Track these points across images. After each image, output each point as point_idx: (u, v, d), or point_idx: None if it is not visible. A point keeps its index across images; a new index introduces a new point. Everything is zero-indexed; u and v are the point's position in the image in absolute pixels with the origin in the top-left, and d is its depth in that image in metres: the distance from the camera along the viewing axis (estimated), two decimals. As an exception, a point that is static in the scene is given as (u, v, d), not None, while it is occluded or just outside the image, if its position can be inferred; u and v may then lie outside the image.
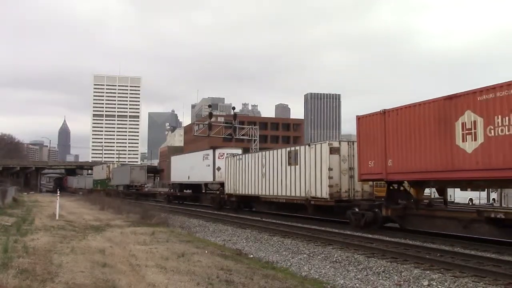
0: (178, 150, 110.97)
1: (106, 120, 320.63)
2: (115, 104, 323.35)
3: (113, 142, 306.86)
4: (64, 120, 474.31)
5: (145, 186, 61.19)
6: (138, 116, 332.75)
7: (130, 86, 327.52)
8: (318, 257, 13.01)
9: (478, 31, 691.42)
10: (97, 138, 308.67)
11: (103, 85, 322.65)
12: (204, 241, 15.58)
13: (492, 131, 13.81)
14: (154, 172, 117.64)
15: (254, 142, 51.53)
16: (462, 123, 14.79)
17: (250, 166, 29.72)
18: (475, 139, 14.35)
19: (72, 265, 9.63)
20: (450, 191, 41.83)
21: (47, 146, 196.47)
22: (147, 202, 38.89)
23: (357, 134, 19.73)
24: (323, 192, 21.93)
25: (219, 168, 35.44)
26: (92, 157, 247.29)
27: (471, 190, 37.49)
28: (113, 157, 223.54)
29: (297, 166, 24.21)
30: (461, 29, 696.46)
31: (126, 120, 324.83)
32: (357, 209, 19.72)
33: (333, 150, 21.81)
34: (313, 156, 22.99)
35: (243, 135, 55.31)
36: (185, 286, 8.22)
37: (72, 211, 28.18)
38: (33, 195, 67.25)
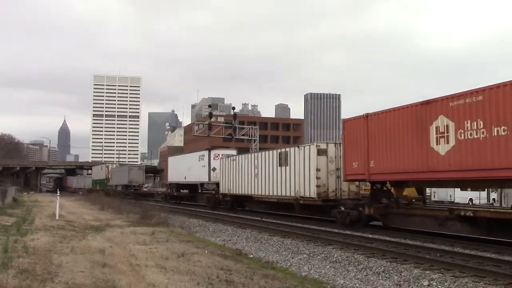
0: (178, 150, 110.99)
1: (106, 120, 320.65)
2: (115, 104, 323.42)
3: (113, 142, 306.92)
4: (64, 120, 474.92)
5: (145, 186, 61.52)
6: (138, 116, 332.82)
7: (130, 86, 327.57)
8: (318, 257, 13.01)
9: (478, 31, 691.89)
10: (97, 138, 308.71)
11: (103, 85, 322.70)
12: (204, 241, 15.58)
13: (462, 134, 14.75)
14: (154, 172, 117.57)
15: (254, 142, 51.55)
16: (436, 127, 15.74)
17: (243, 166, 30.56)
18: (448, 142, 15.30)
19: (72, 265, 9.63)
20: (450, 191, 41.91)
21: (47, 146, 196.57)
22: (146, 202, 38.97)
23: (343, 137, 20.86)
24: (311, 191, 22.77)
25: (214, 169, 36.18)
26: (92, 157, 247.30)
27: (471, 190, 37.52)
28: (113, 157, 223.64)
29: (287, 167, 25.10)
30: (461, 29, 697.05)
31: (126, 120, 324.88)
32: (343, 208, 20.51)
33: (321, 152, 22.73)
34: (302, 157, 23.86)
35: (243, 135, 55.32)
36: (185, 286, 8.22)
37: (72, 211, 28.18)
38: (33, 195, 67.29)
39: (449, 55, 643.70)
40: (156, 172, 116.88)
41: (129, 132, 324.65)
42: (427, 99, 16.46)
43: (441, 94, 15.79)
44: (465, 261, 11.47)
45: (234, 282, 8.63)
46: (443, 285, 9.35)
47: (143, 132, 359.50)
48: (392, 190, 19.11)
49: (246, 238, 17.41)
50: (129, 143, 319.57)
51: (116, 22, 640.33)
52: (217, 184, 35.11)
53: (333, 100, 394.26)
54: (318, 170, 22.51)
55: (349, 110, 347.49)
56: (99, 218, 23.35)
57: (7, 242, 12.15)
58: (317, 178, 22.47)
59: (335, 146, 23.05)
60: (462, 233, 15.88)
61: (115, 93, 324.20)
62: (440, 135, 15.62)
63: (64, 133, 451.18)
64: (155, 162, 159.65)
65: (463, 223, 15.55)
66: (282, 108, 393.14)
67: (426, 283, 9.54)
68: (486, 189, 37.61)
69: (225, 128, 53.95)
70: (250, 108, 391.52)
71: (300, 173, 23.87)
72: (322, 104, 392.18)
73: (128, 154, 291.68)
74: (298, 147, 24.95)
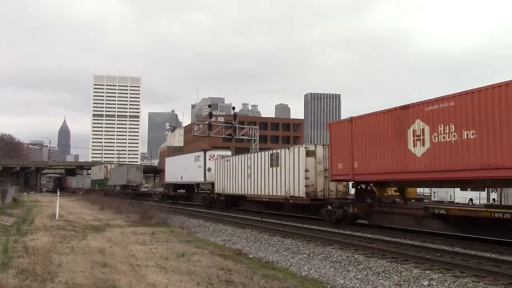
0: (178, 150, 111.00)
1: (106, 120, 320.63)
2: (115, 104, 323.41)
3: (113, 142, 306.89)
4: (64, 120, 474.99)
5: (145, 186, 61.74)
6: (138, 116, 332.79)
7: (130, 86, 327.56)
8: (318, 257, 13.01)
9: (478, 31, 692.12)
10: (97, 138, 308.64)
11: (103, 85, 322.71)
12: (204, 241, 15.57)
13: (436, 138, 15.71)
14: (154, 172, 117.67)
15: (254, 142, 51.57)
16: (413, 130, 16.71)
17: (237, 167, 31.43)
18: (423, 145, 16.28)
19: (72, 265, 9.64)
20: (450, 191, 41.90)
21: (47, 146, 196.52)
22: (146, 202, 39.18)
23: (329, 139, 21.84)
24: (300, 191, 23.76)
25: (209, 169, 36.90)
26: (92, 157, 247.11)
27: (471, 190, 37.54)
28: (113, 157, 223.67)
29: (278, 168, 26.08)
30: (461, 29, 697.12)
31: (126, 120, 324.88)
32: (330, 207, 21.33)
33: (309, 153, 23.75)
34: (292, 158, 24.82)
35: (243, 135, 55.34)
36: (185, 286, 8.22)
37: (72, 211, 28.17)
38: (33, 195, 67.29)
39: (449, 55, 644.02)
40: (156, 172, 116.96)
41: (129, 132, 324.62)
42: (406, 103, 17.36)
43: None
44: (465, 261, 11.48)
45: (234, 282, 8.63)
46: (443, 285, 9.35)
47: (143, 132, 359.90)
48: (375, 190, 19.88)
49: (246, 238, 17.41)
50: (129, 143, 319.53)
51: (116, 22, 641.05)
52: (213, 184, 35.92)
53: (333, 100, 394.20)
54: (307, 170, 23.48)
55: (349, 110, 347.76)
56: (99, 218, 23.34)
57: (7, 242, 12.16)
58: (306, 178, 23.44)
59: (323, 147, 23.94)
60: (437, 230, 16.80)
61: (115, 93, 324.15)
62: (416, 138, 16.58)
63: (64, 133, 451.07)
64: (155, 162, 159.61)
65: (437, 220, 16.45)
66: (282, 108, 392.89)
67: (426, 283, 9.54)
68: (486, 189, 37.64)
69: (225, 128, 53.93)
70: (250, 108, 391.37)
71: (290, 174, 24.78)
72: (322, 104, 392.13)
73: (128, 154, 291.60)
74: (288, 148, 25.89)
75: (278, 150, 26.87)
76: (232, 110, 60.76)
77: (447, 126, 15.31)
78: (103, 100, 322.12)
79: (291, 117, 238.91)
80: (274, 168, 26.57)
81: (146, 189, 60.87)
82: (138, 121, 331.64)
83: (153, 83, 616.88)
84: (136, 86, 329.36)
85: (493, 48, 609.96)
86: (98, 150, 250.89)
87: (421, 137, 16.36)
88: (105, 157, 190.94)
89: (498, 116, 13.70)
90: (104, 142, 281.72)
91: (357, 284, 9.68)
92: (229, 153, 38.00)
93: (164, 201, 45.36)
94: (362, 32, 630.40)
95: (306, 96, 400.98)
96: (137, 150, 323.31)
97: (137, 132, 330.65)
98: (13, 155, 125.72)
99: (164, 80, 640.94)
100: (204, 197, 38.48)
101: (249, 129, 53.85)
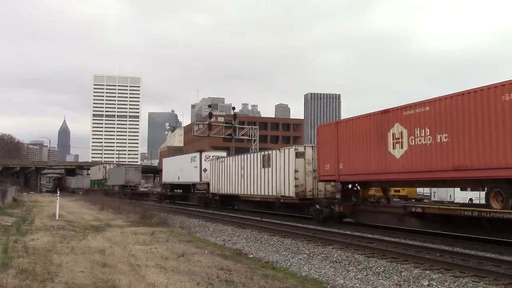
0: (178, 150, 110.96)
1: (106, 120, 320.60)
2: (115, 104, 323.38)
3: (113, 142, 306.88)
4: (64, 120, 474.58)
5: (145, 186, 62.07)
6: (138, 116, 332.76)
7: (130, 86, 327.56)
8: (318, 257, 13.01)
9: (477, 31, 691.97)
10: (97, 138, 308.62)
11: (103, 85, 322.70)
12: (204, 241, 15.57)
13: (413, 140, 16.69)
14: (153, 172, 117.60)
15: (254, 142, 51.58)
16: (393, 134, 17.70)
17: (231, 168, 32.45)
18: (402, 147, 17.27)
19: (72, 265, 9.63)
20: (450, 191, 41.94)
21: (47, 146, 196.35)
22: (145, 202, 39.40)
23: (317, 141, 22.91)
24: (290, 191, 24.74)
25: (205, 170, 37.97)
26: (92, 157, 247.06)
27: (471, 190, 37.55)
28: (113, 157, 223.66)
29: (270, 168, 27.07)
30: (460, 29, 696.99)
31: (126, 120, 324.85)
32: (318, 206, 22.18)
33: (299, 154, 24.66)
34: (282, 159, 25.78)
35: (243, 135, 55.38)
36: (185, 286, 8.22)
37: (72, 211, 28.17)
38: (33, 195, 67.32)
39: (449, 55, 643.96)
40: (155, 172, 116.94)
41: (129, 132, 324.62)
42: (386, 108, 18.40)
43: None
44: (465, 261, 11.47)
45: (234, 282, 8.63)
46: (443, 285, 9.35)
47: (143, 132, 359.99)
48: (360, 190, 20.94)
49: (246, 238, 17.41)
50: (129, 143, 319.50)
51: (116, 22, 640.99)
52: (208, 184, 36.87)
53: (333, 100, 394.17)
54: (296, 171, 24.43)
55: (349, 110, 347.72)
56: (99, 218, 23.34)
57: (7, 242, 12.14)
58: (295, 178, 24.40)
59: (312, 149, 24.65)
60: (416, 227, 17.58)
61: (115, 93, 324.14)
62: (396, 140, 17.59)
63: (64, 133, 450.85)
64: (155, 162, 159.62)
65: (416, 218, 17.36)
66: (282, 108, 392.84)
67: (426, 283, 9.54)
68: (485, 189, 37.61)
69: (225, 128, 53.96)
70: (250, 108, 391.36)
71: (281, 174, 25.77)
72: (322, 104, 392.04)
73: (128, 154, 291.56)
74: (279, 150, 26.76)
75: (270, 152, 27.82)
76: (232, 110, 60.82)
77: (423, 130, 16.28)
78: (103, 100, 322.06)
79: (291, 117, 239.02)
80: (266, 169, 27.48)
81: (146, 189, 61.09)
82: (138, 121, 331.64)
83: (153, 83, 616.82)
84: (136, 86, 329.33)
85: (493, 48, 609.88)
86: (98, 150, 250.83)
87: (400, 140, 17.34)
88: (105, 157, 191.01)
89: (468, 121, 14.61)
90: (104, 142, 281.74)
91: (357, 284, 9.68)
92: (224, 154, 38.90)
93: (162, 200, 46.22)
94: (362, 32, 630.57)
95: (306, 96, 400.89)
96: (137, 150, 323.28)
97: (137, 132, 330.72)
98: (13, 155, 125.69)
99: (164, 80, 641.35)
100: (199, 197, 39.44)
101: (249, 129, 53.88)
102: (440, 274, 10.19)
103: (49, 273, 8.72)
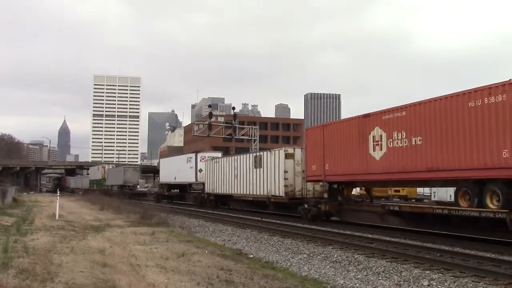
0: (178, 150, 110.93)
1: (106, 120, 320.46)
2: (115, 104, 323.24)
3: (113, 142, 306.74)
4: (64, 120, 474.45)
5: (145, 186, 62.35)
6: (138, 116, 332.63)
7: (130, 86, 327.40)
8: (318, 257, 13.01)
9: (477, 31, 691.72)
10: (97, 138, 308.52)
11: (103, 85, 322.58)
12: (204, 241, 15.56)
13: (392, 143, 17.71)
14: (153, 172, 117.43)
15: (254, 142, 51.55)
16: (373, 136, 18.68)
17: (225, 168, 33.32)
18: (381, 149, 18.26)
19: (72, 265, 9.63)
20: (450, 191, 41.79)
21: (47, 146, 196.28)
22: (143, 202, 39.54)
23: (305, 143, 23.92)
24: (280, 191, 25.68)
25: (201, 170, 38.83)
26: (92, 157, 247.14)
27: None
28: (113, 157, 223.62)
29: (261, 169, 27.97)
30: (459, 29, 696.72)
31: (126, 120, 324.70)
32: (306, 205, 23.10)
33: (288, 156, 25.57)
34: (273, 160, 26.67)
35: (243, 135, 55.36)
36: (185, 286, 8.21)
37: (72, 211, 28.16)
38: (33, 195, 67.30)
39: (448, 55, 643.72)
40: (155, 172, 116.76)
41: (129, 132, 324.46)
42: (367, 112, 19.41)
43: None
44: (465, 261, 11.47)
45: (234, 282, 8.63)
46: (443, 285, 9.34)
47: (143, 132, 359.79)
48: (344, 190, 21.91)
49: (246, 238, 17.41)
50: (129, 143, 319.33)
51: (116, 22, 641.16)
52: (203, 184, 37.68)
53: (333, 100, 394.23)
54: (286, 172, 25.31)
55: (349, 110, 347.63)
56: (99, 218, 23.34)
57: (7, 242, 12.14)
58: (285, 179, 25.27)
59: (302, 150, 25.40)
60: (395, 225, 18.60)
61: (115, 93, 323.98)
62: (376, 143, 18.57)
63: (64, 133, 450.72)
64: (155, 162, 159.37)
65: (394, 216, 18.39)
66: (282, 108, 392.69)
67: (426, 283, 9.53)
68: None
69: (225, 128, 53.94)
70: (250, 108, 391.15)
71: (271, 175, 26.69)
72: (322, 104, 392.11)
73: (128, 154, 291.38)
74: (270, 151, 27.74)
75: (261, 153, 28.88)
76: (232, 110, 60.75)
77: (400, 133, 17.34)
78: (103, 100, 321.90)
79: (291, 117, 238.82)
80: (258, 170, 28.36)
81: (146, 189, 61.18)
82: (138, 121, 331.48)
83: (153, 83, 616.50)
84: (136, 86, 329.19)
85: (493, 48, 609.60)
86: (98, 150, 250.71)
87: (380, 143, 18.34)
88: (105, 157, 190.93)
89: (439, 125, 15.65)
90: (104, 142, 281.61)
91: (357, 284, 9.67)
92: (219, 155, 39.65)
93: (159, 200, 46.85)
94: (362, 32, 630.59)
95: (306, 96, 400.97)
96: (137, 150, 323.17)
97: (137, 132, 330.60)
98: (13, 155, 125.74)
99: (164, 80, 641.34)
100: (195, 196, 40.24)
101: (249, 129, 53.86)
102: (440, 274, 10.18)
103: (49, 273, 8.72)
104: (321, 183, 24.45)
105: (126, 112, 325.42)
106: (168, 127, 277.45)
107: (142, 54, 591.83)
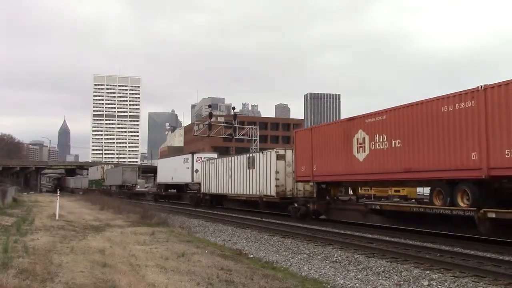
0: (178, 150, 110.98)
1: (106, 120, 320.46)
2: (115, 104, 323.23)
3: (113, 142, 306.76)
4: (64, 120, 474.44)
5: (145, 186, 62.71)
6: (138, 116, 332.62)
7: (130, 86, 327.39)
8: (318, 257, 13.01)
9: (477, 31, 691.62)
10: (97, 138, 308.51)
11: (103, 85, 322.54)
12: (204, 241, 15.56)
13: (374, 145, 18.67)
14: (154, 172, 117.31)
15: (254, 142, 51.51)
16: (357, 139, 19.63)
17: (220, 169, 34.23)
18: (364, 151, 19.20)
19: (72, 265, 9.63)
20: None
21: (47, 146, 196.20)
22: (141, 202, 39.78)
23: (295, 145, 24.80)
24: (272, 191, 26.56)
25: (197, 171, 39.79)
26: (92, 157, 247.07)
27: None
28: (113, 157, 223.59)
29: (254, 170, 28.88)
30: (460, 29, 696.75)
31: (126, 120, 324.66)
32: (296, 204, 24.10)
33: (279, 157, 26.51)
34: (265, 161, 27.60)
35: (243, 135, 55.32)
36: (185, 286, 8.21)
37: (72, 211, 28.17)
38: (33, 195, 67.29)
39: (448, 55, 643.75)
40: (155, 172, 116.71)
41: (129, 132, 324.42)
42: (352, 116, 20.58)
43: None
44: (465, 261, 11.47)
45: (234, 282, 8.63)
46: (443, 285, 9.34)
47: (143, 132, 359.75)
48: (331, 190, 22.83)
49: (246, 238, 17.41)
50: (129, 143, 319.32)
51: (116, 22, 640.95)
52: (199, 184, 38.71)
53: (333, 100, 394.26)
54: (277, 172, 26.25)
55: (349, 110, 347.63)
56: (99, 218, 23.34)
57: (7, 242, 12.15)
58: (276, 179, 26.22)
59: (292, 151, 25.91)
60: (377, 223, 19.57)
61: (115, 93, 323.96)
62: (359, 145, 19.50)
63: (64, 133, 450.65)
64: (155, 162, 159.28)
65: (376, 214, 19.34)
66: (282, 108, 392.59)
67: (426, 283, 9.53)
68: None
69: (225, 128, 53.91)
70: (250, 108, 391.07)
71: (263, 175, 27.62)
72: (322, 104, 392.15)
73: (128, 154, 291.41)
74: (262, 152, 28.83)
75: (254, 154, 29.91)
76: (232, 110, 60.68)
77: (381, 136, 18.29)
78: (103, 100, 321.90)
79: (291, 117, 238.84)
80: (251, 170, 29.28)
81: (146, 189, 61.36)
82: (138, 121, 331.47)
83: (153, 83, 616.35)
84: (136, 86, 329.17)
85: (493, 48, 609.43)
86: (98, 150, 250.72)
87: (363, 145, 19.29)
88: (105, 157, 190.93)
89: (416, 129, 16.59)
90: (104, 142, 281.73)
91: (357, 284, 9.67)
92: (215, 155, 40.78)
93: (157, 200, 47.58)
94: (362, 32, 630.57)
95: (306, 96, 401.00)
96: (137, 150, 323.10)
97: (137, 132, 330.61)
98: (13, 155, 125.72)
99: (164, 80, 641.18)
100: (191, 196, 41.22)
101: (249, 129, 53.81)
102: (440, 274, 10.18)
103: (49, 273, 8.72)
104: (311, 183, 25.09)
105: (126, 112, 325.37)
106: (168, 127, 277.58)
107: (142, 54, 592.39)
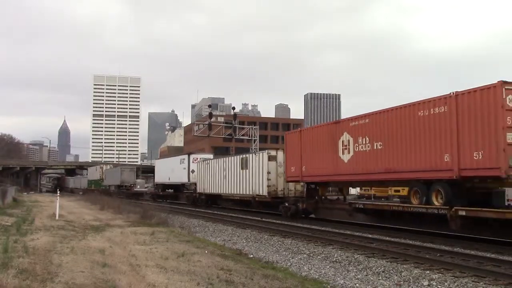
0: (178, 150, 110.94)
1: (106, 120, 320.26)
2: (115, 104, 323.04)
3: (113, 142, 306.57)
4: (64, 120, 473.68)
5: (145, 186, 63.05)
6: (138, 116, 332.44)
7: (130, 86, 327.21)
8: (318, 257, 13.01)
9: (477, 31, 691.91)
10: (97, 138, 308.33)
11: (103, 85, 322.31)
12: (204, 241, 15.57)
13: (357, 147, 19.61)
14: (154, 172, 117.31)
15: (254, 142, 51.48)
16: (342, 141, 20.56)
17: (215, 169, 35.23)
18: (349, 153, 20.12)
19: (72, 265, 9.63)
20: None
21: (47, 146, 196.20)
22: (139, 201, 40.03)
23: (285, 147, 25.83)
24: (264, 191, 27.60)
25: (193, 171, 40.83)
26: (92, 157, 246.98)
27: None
28: (113, 157, 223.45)
29: (247, 170, 29.85)
30: (460, 29, 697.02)
31: (126, 120, 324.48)
32: (286, 204, 24.96)
33: (271, 158, 27.51)
34: (257, 162, 28.56)
35: (243, 135, 55.28)
36: (185, 286, 8.21)
37: (72, 211, 28.17)
38: (33, 195, 67.30)
39: (448, 55, 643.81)
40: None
41: (129, 132, 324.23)
42: (338, 119, 21.48)
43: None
44: (465, 261, 11.48)
45: (234, 282, 8.63)
46: (443, 285, 9.35)
47: (143, 132, 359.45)
48: (319, 189, 23.73)
49: (246, 238, 17.41)
50: (129, 143, 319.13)
51: (116, 22, 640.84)
52: (195, 184, 39.73)
53: (333, 100, 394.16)
54: (268, 173, 27.26)
55: (349, 110, 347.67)
56: (99, 218, 23.34)
57: (7, 242, 12.15)
58: (268, 179, 27.25)
59: (284, 153, 26.58)
60: (361, 221, 20.49)
61: (115, 93, 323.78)
62: (344, 147, 20.41)
63: (64, 133, 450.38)
64: (155, 163, 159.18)
65: (361, 213, 20.37)
66: (282, 108, 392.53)
67: (426, 283, 9.54)
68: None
69: (225, 128, 53.85)
70: (250, 108, 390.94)
71: (256, 176, 28.56)
72: (322, 104, 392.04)
73: (128, 154, 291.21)
74: (255, 153, 30.08)
75: (247, 155, 30.77)
76: (232, 110, 60.62)
77: (364, 138, 19.20)
78: (103, 100, 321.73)
79: (291, 117, 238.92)
80: (244, 171, 30.20)
81: (146, 189, 61.48)
82: (138, 121, 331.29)
83: (153, 83, 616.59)
84: (136, 86, 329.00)
85: (493, 48, 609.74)
86: (98, 150, 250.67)
87: (348, 147, 20.19)
88: (105, 157, 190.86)
89: (396, 132, 17.55)
90: (104, 142, 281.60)
91: (357, 284, 9.68)
92: (211, 156, 42.16)
93: (154, 200, 48.29)
94: (362, 32, 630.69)
95: (306, 96, 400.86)
96: (137, 150, 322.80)
97: (137, 132, 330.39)
98: (13, 155, 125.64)
99: (164, 80, 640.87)
100: (187, 196, 42.40)
101: (249, 129, 53.76)
102: (440, 274, 10.19)
103: (49, 273, 8.72)
104: (301, 183, 25.93)
105: (126, 112, 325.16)
106: (168, 127, 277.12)
107: (142, 54, 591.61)
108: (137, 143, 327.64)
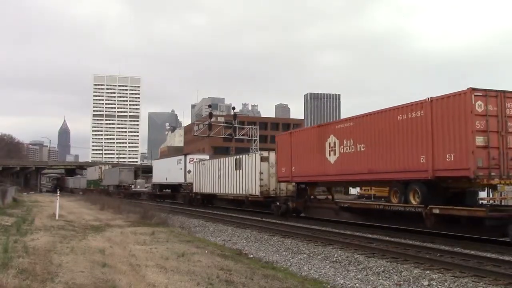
0: (178, 150, 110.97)
1: (106, 120, 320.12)
2: (115, 104, 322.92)
3: (113, 142, 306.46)
4: (64, 120, 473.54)
5: (145, 186, 63.18)
6: (138, 116, 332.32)
7: (130, 86, 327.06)
8: (318, 257, 13.01)
9: (477, 31, 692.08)
10: (97, 138, 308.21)
11: (103, 85, 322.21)
12: (204, 241, 15.57)
13: (343, 149, 20.51)
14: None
15: (254, 142, 51.46)
16: (329, 143, 21.43)
17: (210, 170, 36.22)
18: (335, 154, 21.02)
19: (72, 265, 9.63)
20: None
21: (47, 146, 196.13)
22: (142, 202, 39.85)
23: (276, 148, 26.80)
24: (256, 190, 28.58)
25: (189, 171, 41.77)
26: (92, 157, 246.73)
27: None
28: (113, 157, 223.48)
29: (241, 171, 30.81)
30: (460, 29, 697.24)
31: (126, 120, 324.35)
32: (278, 203, 25.92)
33: (263, 159, 28.52)
34: (250, 163, 29.59)
35: (243, 135, 55.25)
36: (185, 286, 8.22)
37: (72, 211, 28.17)
38: (33, 195, 67.24)
39: (448, 55, 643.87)
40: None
41: (129, 132, 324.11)
42: (325, 122, 22.87)
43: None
44: (465, 261, 11.48)
45: (234, 282, 8.63)
46: (443, 285, 9.35)
47: (143, 132, 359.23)
48: (308, 189, 24.71)
49: (246, 238, 17.41)
50: (129, 143, 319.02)
51: (116, 22, 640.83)
52: (192, 184, 40.57)
53: (333, 100, 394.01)
54: (261, 173, 28.19)
55: (349, 110, 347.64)
56: (99, 218, 23.34)
57: (7, 242, 12.15)
58: (260, 179, 28.16)
59: (276, 154, 27.28)
60: (348, 219, 21.10)
61: (115, 93, 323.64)
62: (331, 149, 21.29)
63: (64, 133, 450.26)
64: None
65: (347, 212, 21.19)
66: (282, 108, 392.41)
67: (426, 283, 9.54)
68: (485, 188, 37.89)
69: (225, 128, 53.79)
70: (250, 108, 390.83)
71: (249, 176, 29.56)
72: (322, 104, 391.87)
73: (128, 154, 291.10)
74: (248, 154, 30.99)
75: (241, 156, 31.63)
76: (232, 110, 60.60)
77: (349, 141, 20.09)
78: (103, 100, 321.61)
79: (291, 117, 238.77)
80: (238, 171, 31.13)
81: (146, 189, 61.57)
82: (138, 121, 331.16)
83: (153, 83, 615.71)
84: (136, 86, 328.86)
85: (493, 48, 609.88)
86: (98, 150, 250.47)
87: (334, 148, 21.05)
88: (105, 157, 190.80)
89: (378, 135, 18.37)
90: (104, 142, 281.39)
91: (357, 284, 9.68)
92: (207, 157, 43.31)
93: (152, 200, 48.65)
94: (362, 32, 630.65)
95: (306, 96, 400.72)
96: (137, 150, 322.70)
97: (137, 132, 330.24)
98: (13, 155, 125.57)
99: (164, 80, 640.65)
100: (184, 195, 43.40)
101: (249, 129, 53.74)
102: (440, 274, 10.19)
103: (49, 273, 8.72)
104: (292, 183, 26.69)
105: (126, 112, 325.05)
106: (168, 127, 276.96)
107: (141, 54, 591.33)
108: (137, 143, 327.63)
